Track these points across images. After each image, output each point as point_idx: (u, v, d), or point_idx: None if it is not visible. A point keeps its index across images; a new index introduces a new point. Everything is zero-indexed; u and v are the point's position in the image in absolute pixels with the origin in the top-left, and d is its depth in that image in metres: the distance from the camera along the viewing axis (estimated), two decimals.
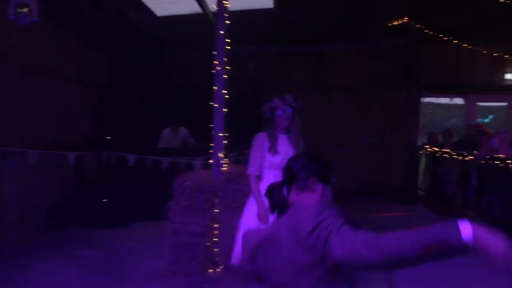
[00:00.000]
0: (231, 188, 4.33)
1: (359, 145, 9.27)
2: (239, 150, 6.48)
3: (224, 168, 4.42)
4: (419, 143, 9.15)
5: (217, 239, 4.34)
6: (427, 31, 8.69)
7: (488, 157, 6.48)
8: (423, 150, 8.88)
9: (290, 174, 1.73)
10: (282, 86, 8.65)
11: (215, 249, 4.36)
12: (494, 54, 8.91)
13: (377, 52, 9.20)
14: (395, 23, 8.85)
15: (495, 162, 6.25)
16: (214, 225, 4.32)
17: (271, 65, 9.28)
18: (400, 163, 9.19)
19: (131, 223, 6.70)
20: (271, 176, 3.46)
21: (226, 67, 4.40)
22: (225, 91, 4.36)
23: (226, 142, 4.49)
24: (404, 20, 8.78)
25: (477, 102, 9.69)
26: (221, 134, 4.36)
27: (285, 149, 3.51)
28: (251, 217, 3.45)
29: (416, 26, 8.74)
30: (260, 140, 3.47)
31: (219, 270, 4.38)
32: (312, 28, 8.59)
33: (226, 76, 4.39)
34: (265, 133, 3.48)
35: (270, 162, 3.40)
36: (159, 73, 8.81)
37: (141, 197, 6.84)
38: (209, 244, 4.38)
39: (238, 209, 3.96)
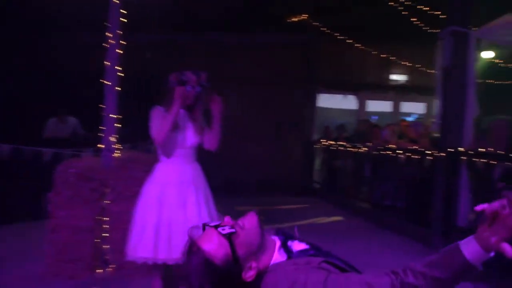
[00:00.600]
0: (124, 176, 3.87)
1: (257, 140, 9.22)
2: (133, 141, 6.04)
3: (116, 154, 3.95)
4: (315, 138, 9.44)
5: (107, 234, 3.85)
6: (324, 29, 9.00)
7: (380, 148, 6.82)
8: (319, 145, 9.15)
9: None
10: None
11: (105, 246, 3.86)
12: (382, 56, 9.55)
13: (277, 47, 9.29)
14: (294, 19, 9.03)
15: (387, 152, 6.60)
16: (104, 218, 3.83)
17: (168, 54, 8.79)
18: (297, 157, 9.39)
19: (5, 224, 5.78)
20: (175, 159, 3.14)
21: (121, 42, 3.93)
22: (119, 68, 3.89)
23: (119, 125, 4.02)
24: (303, 17, 8.99)
25: (367, 100, 10.32)
26: (113, 116, 3.88)
27: (186, 127, 3.20)
28: (147, 206, 3.08)
29: (314, 24, 9.01)
30: (159, 112, 3.10)
31: (109, 269, 3.89)
32: (210, 17, 8.35)
33: (120, 51, 3.92)
34: (162, 108, 3.12)
35: (169, 137, 3.05)
36: (43, 57, 7.87)
37: (19, 194, 5.96)
38: (97, 240, 3.87)
39: (132, 199, 3.55)
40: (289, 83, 9.30)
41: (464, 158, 4.93)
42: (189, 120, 3.22)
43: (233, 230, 1.24)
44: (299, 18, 8.96)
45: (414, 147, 6.25)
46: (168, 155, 3.09)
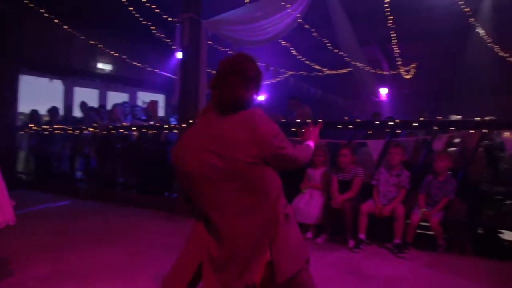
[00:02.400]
0: None
1: None
2: None
3: None
4: (19, 122, 8.31)
5: None
6: (28, 2, 8.06)
7: (111, 127, 6.82)
8: (26, 130, 8.11)
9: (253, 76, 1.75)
10: None
11: None
12: (90, 42, 9.38)
13: None
14: None
15: (120, 130, 6.68)
16: None
17: None
18: None
19: None
20: None
21: None
22: None
23: None
24: None
25: (75, 87, 9.87)
26: None
27: None
28: None
29: None
30: None
31: None
32: None
33: None
34: None
35: None
36: None
37: None
38: None
39: None
40: None
41: None
42: None
43: None
44: None
45: (150, 123, 6.61)
46: None
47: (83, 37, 9.09)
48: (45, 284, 3.14)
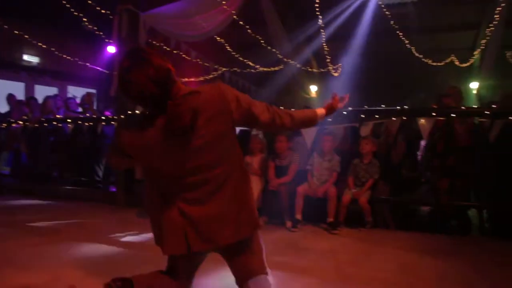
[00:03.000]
0: None
1: None
2: None
3: None
4: None
5: None
6: None
7: (43, 119, 6.59)
8: None
9: None
10: None
11: None
12: (15, 32, 8.89)
13: None
14: None
15: (54, 123, 6.49)
16: None
17: None
18: None
19: None
20: None
21: None
22: None
23: None
24: None
25: None
26: None
27: None
28: None
29: None
30: None
31: None
32: None
33: None
34: None
35: None
36: None
37: None
38: None
39: None
40: None
41: None
42: None
43: None
44: None
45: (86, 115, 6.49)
46: None
47: (6, 26, 8.62)
48: None
